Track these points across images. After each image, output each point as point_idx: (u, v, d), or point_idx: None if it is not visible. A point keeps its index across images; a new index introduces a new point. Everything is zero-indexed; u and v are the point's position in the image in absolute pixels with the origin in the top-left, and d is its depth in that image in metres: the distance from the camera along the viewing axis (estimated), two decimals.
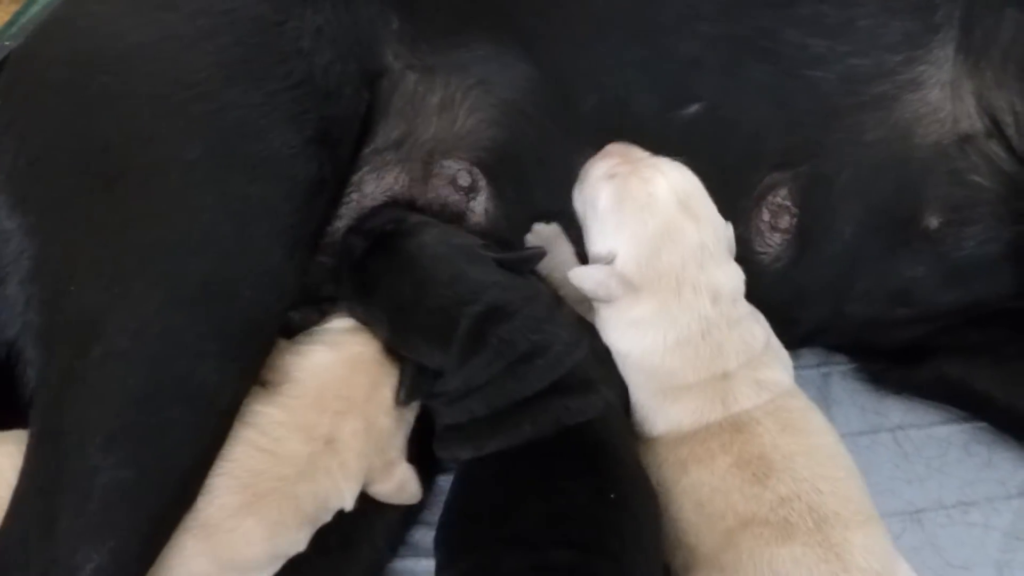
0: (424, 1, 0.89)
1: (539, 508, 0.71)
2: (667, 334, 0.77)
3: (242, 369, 0.73)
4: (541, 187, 0.87)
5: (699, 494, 0.75)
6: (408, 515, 0.87)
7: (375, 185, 0.87)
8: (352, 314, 0.83)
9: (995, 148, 0.87)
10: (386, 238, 0.82)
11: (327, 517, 0.77)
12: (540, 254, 0.83)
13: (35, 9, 1.06)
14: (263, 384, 0.77)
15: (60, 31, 0.85)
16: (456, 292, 0.77)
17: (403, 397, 0.78)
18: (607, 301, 0.79)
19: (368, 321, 0.82)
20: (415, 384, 0.79)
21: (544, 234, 0.87)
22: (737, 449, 0.75)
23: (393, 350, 0.81)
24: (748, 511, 0.72)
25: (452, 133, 0.87)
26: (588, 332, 0.81)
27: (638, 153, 0.83)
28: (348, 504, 0.77)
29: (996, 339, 0.93)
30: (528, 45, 0.87)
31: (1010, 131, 0.86)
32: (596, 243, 0.82)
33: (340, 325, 0.82)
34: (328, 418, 0.75)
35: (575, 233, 0.86)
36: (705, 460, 0.75)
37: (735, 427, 0.76)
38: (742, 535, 0.72)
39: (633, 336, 0.79)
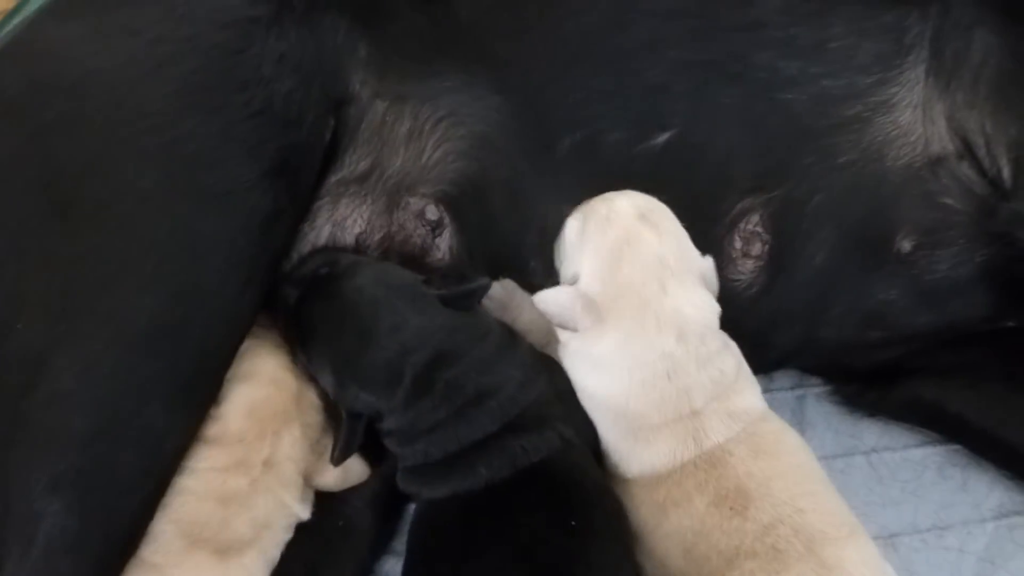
0: (393, 28, 0.87)
1: (503, 549, 0.70)
2: (632, 374, 0.75)
3: (192, 410, 0.71)
4: (508, 224, 0.85)
5: (683, 539, 0.73)
6: (376, 544, 0.85)
7: (335, 216, 0.85)
8: (297, 362, 0.81)
9: (966, 170, 0.86)
10: (320, 282, 0.80)
11: (285, 535, 0.76)
12: (485, 286, 0.81)
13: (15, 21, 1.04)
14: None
15: (18, 54, 0.83)
16: (400, 342, 0.75)
17: (338, 455, 0.76)
18: (572, 328, 0.77)
19: (312, 370, 0.80)
20: (350, 439, 0.76)
21: (496, 295, 0.85)
22: (712, 487, 0.73)
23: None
24: (731, 548, 0.70)
25: (419, 165, 0.86)
26: (546, 369, 0.79)
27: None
28: (302, 514, 0.77)
29: (970, 361, 0.92)
30: (499, 75, 0.86)
31: (981, 152, 0.86)
32: (565, 273, 0.80)
33: (243, 346, 0.79)
34: (268, 442, 0.75)
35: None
36: (683, 503, 0.73)
37: (709, 463, 0.74)
38: (730, 574, 0.70)
39: (598, 377, 0.77)
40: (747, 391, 0.79)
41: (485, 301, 0.84)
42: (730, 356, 0.78)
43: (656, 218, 0.79)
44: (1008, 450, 0.90)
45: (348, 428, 0.77)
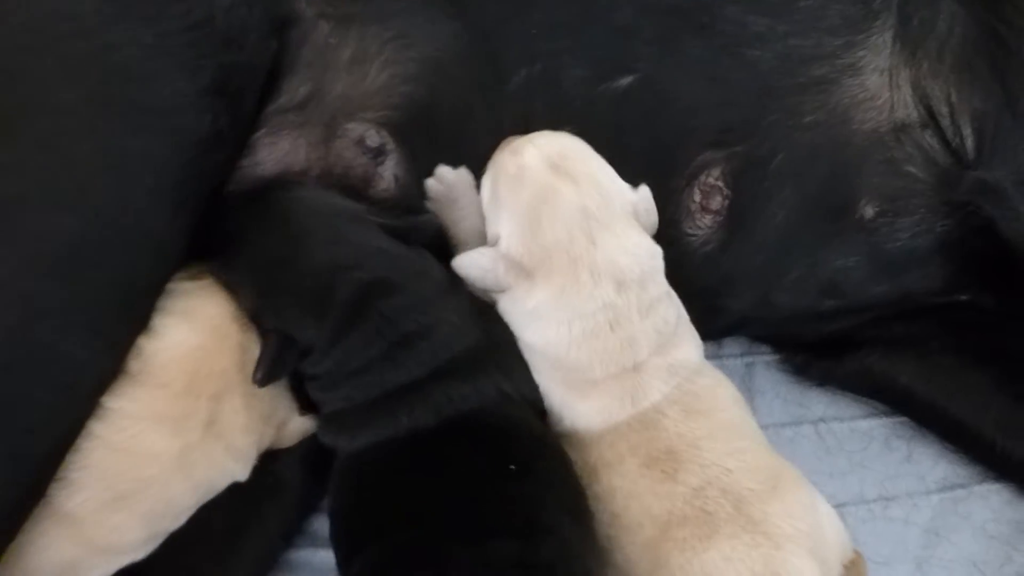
0: None
1: (431, 495, 0.66)
2: (572, 325, 0.72)
3: (112, 345, 0.65)
4: (459, 153, 0.81)
5: (612, 502, 0.71)
6: (305, 502, 0.81)
7: (268, 151, 0.79)
8: (217, 278, 0.74)
9: (929, 139, 0.85)
10: (259, 191, 0.74)
11: (216, 492, 0.71)
12: (432, 224, 0.77)
13: None
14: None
15: None
16: (335, 254, 0.70)
17: (259, 377, 0.69)
18: (498, 290, 0.73)
19: (233, 285, 0.73)
20: (277, 361, 0.70)
21: (448, 179, 0.80)
22: (644, 449, 0.71)
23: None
24: (663, 511, 0.69)
25: (361, 90, 0.81)
26: (489, 319, 0.75)
27: (519, 137, 0.77)
28: (242, 477, 0.72)
29: (921, 334, 0.92)
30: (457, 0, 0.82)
31: (945, 122, 0.85)
32: (488, 232, 0.76)
33: (187, 286, 0.73)
34: (204, 403, 0.68)
35: None
36: (614, 464, 0.71)
37: (642, 424, 0.72)
38: (664, 544, 0.68)
39: (537, 328, 0.73)
40: (686, 342, 0.77)
41: (432, 183, 0.79)
42: (671, 305, 0.76)
43: (569, 165, 0.74)
44: (954, 423, 0.91)
45: (275, 345, 0.70)
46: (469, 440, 0.69)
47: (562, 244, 0.72)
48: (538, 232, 0.72)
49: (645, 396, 0.73)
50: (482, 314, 0.76)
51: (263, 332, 0.73)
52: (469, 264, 0.73)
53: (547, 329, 0.73)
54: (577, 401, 0.74)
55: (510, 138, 0.78)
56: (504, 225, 0.74)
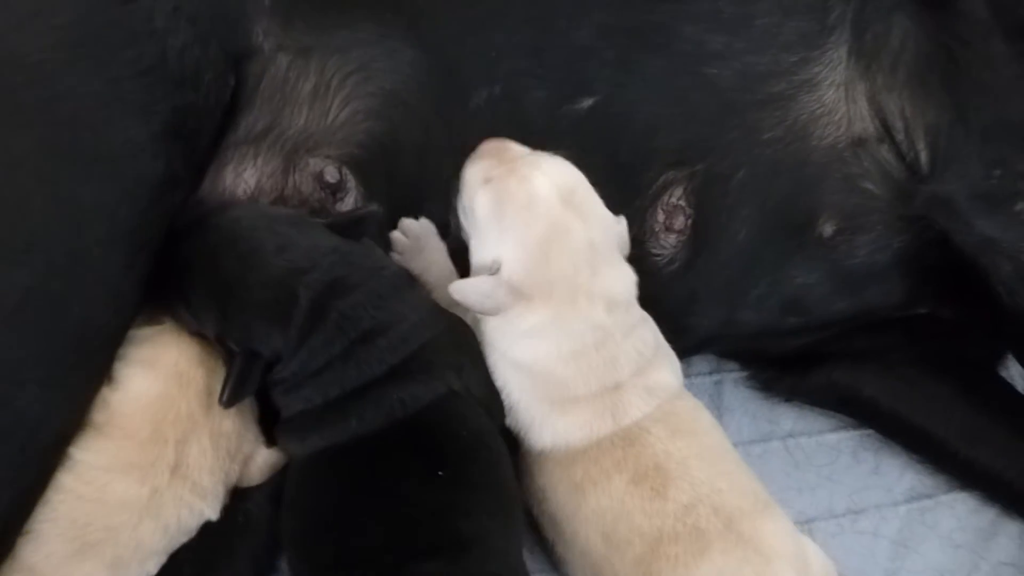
0: None
1: (369, 504, 0.66)
2: (561, 344, 0.73)
3: (71, 398, 0.65)
4: (419, 188, 0.81)
5: (603, 522, 0.71)
6: (275, 539, 0.79)
7: (222, 182, 0.78)
8: (178, 319, 0.73)
9: (886, 154, 0.86)
10: (193, 224, 0.73)
11: (188, 537, 0.71)
12: (375, 214, 0.76)
13: None
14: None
15: None
16: (289, 260, 0.70)
17: (226, 399, 0.69)
18: (495, 313, 0.74)
19: (196, 318, 0.72)
20: (242, 380, 0.70)
21: (413, 231, 0.80)
22: (631, 465, 0.72)
23: (216, 348, 0.73)
24: (653, 529, 0.70)
25: (323, 126, 0.80)
26: (443, 317, 0.75)
27: (515, 150, 0.77)
28: (212, 516, 0.71)
29: (883, 347, 0.93)
30: (415, 27, 0.81)
31: (899, 136, 0.86)
32: (478, 253, 0.76)
33: (147, 332, 0.73)
34: (171, 447, 0.68)
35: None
36: (601, 482, 0.72)
37: (626, 440, 0.73)
38: (656, 561, 0.69)
39: (526, 346, 0.74)
40: (664, 367, 0.78)
41: (396, 235, 0.79)
42: (648, 329, 0.78)
43: (579, 200, 0.75)
44: (918, 434, 0.92)
45: (241, 364, 0.70)
46: (408, 446, 0.69)
47: (567, 275, 0.73)
48: (545, 264, 0.73)
49: (626, 413, 0.74)
50: (438, 307, 0.76)
51: (228, 354, 0.72)
52: (470, 290, 0.73)
53: (537, 347, 0.74)
54: (559, 417, 0.74)
55: (497, 147, 0.77)
56: (508, 251, 0.74)
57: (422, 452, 0.69)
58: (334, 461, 0.69)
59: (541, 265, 0.73)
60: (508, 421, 0.76)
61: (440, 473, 0.67)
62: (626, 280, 0.76)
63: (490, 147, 0.77)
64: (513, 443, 0.77)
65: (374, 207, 0.77)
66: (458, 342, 0.74)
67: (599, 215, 0.76)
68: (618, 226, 0.78)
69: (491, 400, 0.75)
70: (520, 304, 0.73)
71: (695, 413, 0.78)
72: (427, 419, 0.69)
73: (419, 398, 0.69)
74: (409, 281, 0.75)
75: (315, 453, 0.70)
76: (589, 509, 0.72)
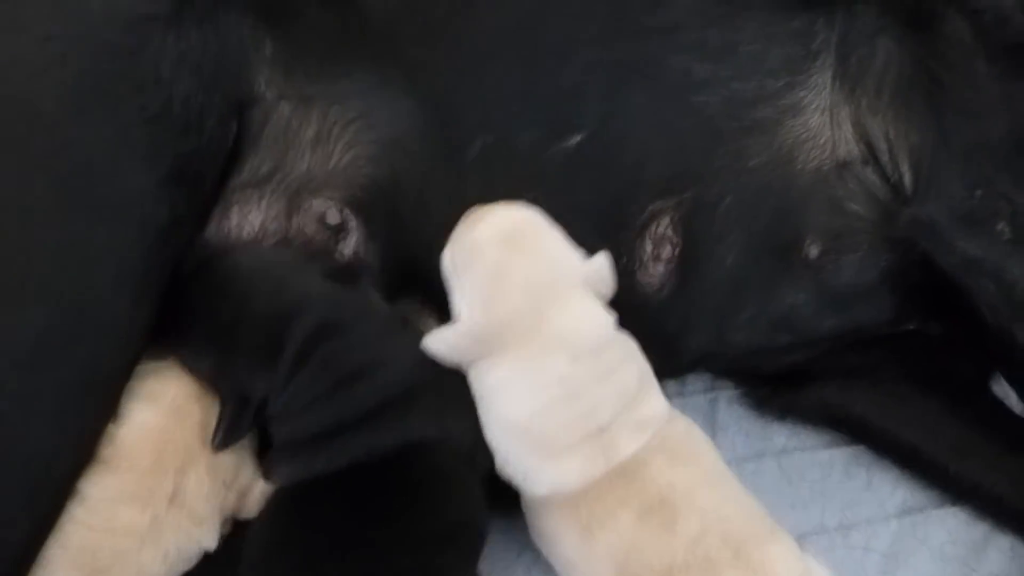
0: (300, 25, 0.84)
1: (321, 545, 0.68)
2: (532, 398, 0.73)
3: (81, 434, 0.68)
4: (419, 230, 0.83)
5: (615, 561, 0.71)
6: None
7: (226, 224, 0.81)
8: (179, 359, 0.77)
9: (870, 175, 0.88)
10: (196, 268, 0.77)
11: (189, 565, 0.74)
12: (369, 268, 0.79)
13: None
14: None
15: None
16: (280, 304, 0.73)
17: (217, 443, 0.72)
18: (465, 365, 0.75)
19: (193, 358, 0.76)
20: (233, 425, 0.73)
21: None
22: (636, 500, 0.72)
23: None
24: (664, 565, 0.70)
25: (326, 169, 0.83)
26: (433, 365, 0.76)
27: (483, 209, 0.79)
28: (210, 545, 0.74)
29: (873, 364, 0.95)
30: (412, 76, 0.84)
31: (884, 158, 0.87)
32: (453, 306, 0.78)
33: (151, 367, 0.76)
34: (171, 477, 0.72)
35: None
36: (607, 522, 0.71)
37: (627, 476, 0.72)
38: None
39: (501, 400, 0.75)
40: (651, 397, 0.77)
41: None
42: (632, 364, 0.77)
43: (522, 239, 0.75)
44: (909, 449, 0.93)
45: (232, 410, 0.73)
46: (367, 490, 0.70)
47: (514, 317, 0.73)
48: (492, 306, 0.73)
49: (616, 452, 0.73)
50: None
51: (221, 398, 0.75)
52: (437, 342, 0.74)
53: (510, 402, 0.74)
54: (550, 466, 0.74)
55: (472, 210, 0.79)
56: (464, 300, 0.75)
57: (380, 497, 0.70)
58: (297, 496, 0.72)
59: (488, 308, 0.73)
60: (504, 471, 0.76)
61: (392, 520, 0.69)
62: (591, 321, 0.74)
63: (468, 215, 0.79)
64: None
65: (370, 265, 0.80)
66: (444, 391, 0.75)
67: (549, 254, 0.75)
68: (587, 266, 0.77)
69: (476, 450, 0.76)
70: (485, 357, 0.74)
71: (689, 434, 0.77)
72: (392, 466, 0.71)
73: (385, 445, 0.71)
74: (402, 327, 0.77)
75: (286, 486, 0.73)
76: (601, 551, 0.72)
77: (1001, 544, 0.90)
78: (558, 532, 0.75)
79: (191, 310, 0.76)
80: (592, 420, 0.73)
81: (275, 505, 0.74)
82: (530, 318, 0.73)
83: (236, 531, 0.77)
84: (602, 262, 0.78)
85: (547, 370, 0.73)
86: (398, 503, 0.71)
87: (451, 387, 0.76)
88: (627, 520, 0.71)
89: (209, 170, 0.79)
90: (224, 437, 0.73)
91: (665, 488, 0.72)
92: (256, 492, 0.77)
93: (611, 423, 0.73)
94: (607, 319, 0.77)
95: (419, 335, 0.77)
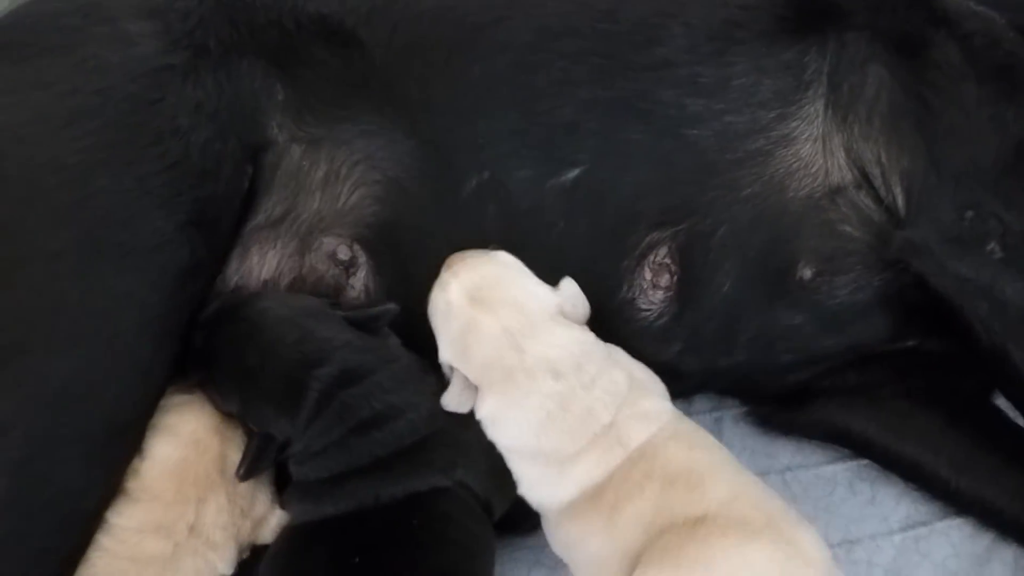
0: (309, 71, 0.88)
1: None
2: (528, 420, 0.77)
3: (108, 470, 0.72)
4: (423, 264, 0.86)
5: (642, 524, 0.73)
6: None
7: (244, 264, 0.85)
8: (209, 397, 0.81)
9: (864, 199, 0.90)
10: (224, 314, 0.80)
11: None
12: (392, 311, 0.82)
13: None
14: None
15: None
16: (303, 353, 0.76)
17: (242, 473, 0.77)
18: (464, 409, 0.79)
19: (220, 399, 0.80)
20: (257, 459, 0.77)
21: None
22: (660, 473, 0.75)
23: (238, 423, 0.80)
24: (697, 512, 0.72)
25: (335, 209, 0.87)
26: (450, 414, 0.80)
27: (458, 258, 0.83)
28: (227, 571, 0.78)
29: (873, 381, 0.96)
30: (413, 117, 0.88)
31: (877, 182, 0.89)
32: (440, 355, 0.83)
33: (175, 400, 0.80)
34: (192, 507, 0.75)
35: None
36: (635, 494, 0.74)
37: (647, 455, 0.76)
38: (702, 527, 0.71)
39: (501, 430, 0.79)
40: (652, 395, 0.82)
41: None
42: (616, 368, 0.80)
43: (485, 295, 0.79)
44: (910, 464, 0.95)
45: (257, 445, 0.77)
46: (366, 536, 0.74)
47: (494, 361, 0.78)
48: (469, 356, 0.78)
49: (630, 439, 0.77)
50: None
51: (248, 432, 0.80)
52: (449, 398, 0.79)
53: (509, 429, 0.78)
54: (570, 471, 0.77)
55: (448, 260, 0.83)
56: (447, 352, 0.80)
57: (384, 541, 0.73)
58: (307, 533, 0.75)
59: (467, 357, 0.78)
60: (528, 496, 0.80)
61: (394, 562, 0.72)
62: (565, 343, 0.79)
63: (449, 261, 0.83)
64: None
65: (392, 305, 0.83)
66: (459, 439, 0.79)
67: (512, 302, 0.79)
68: (557, 295, 0.81)
69: (491, 495, 0.80)
70: (476, 396, 0.78)
71: (699, 430, 0.81)
72: (398, 512, 0.74)
73: (392, 493, 0.74)
74: (421, 375, 0.81)
75: (301, 524, 0.76)
76: (628, 519, 0.74)
77: (1004, 556, 0.91)
78: (584, 532, 0.77)
79: (219, 354, 0.79)
80: (593, 421, 0.77)
81: (286, 539, 0.77)
82: (509, 358, 0.77)
83: (254, 556, 0.80)
84: (569, 288, 0.82)
85: (534, 392, 0.77)
86: (401, 547, 0.73)
87: (466, 435, 0.79)
88: (653, 489, 0.74)
89: (227, 213, 0.83)
90: (248, 469, 0.77)
91: (687, 462, 0.76)
92: (272, 521, 0.80)
93: (614, 419, 0.77)
94: (582, 335, 0.81)
95: (437, 382, 0.81)
